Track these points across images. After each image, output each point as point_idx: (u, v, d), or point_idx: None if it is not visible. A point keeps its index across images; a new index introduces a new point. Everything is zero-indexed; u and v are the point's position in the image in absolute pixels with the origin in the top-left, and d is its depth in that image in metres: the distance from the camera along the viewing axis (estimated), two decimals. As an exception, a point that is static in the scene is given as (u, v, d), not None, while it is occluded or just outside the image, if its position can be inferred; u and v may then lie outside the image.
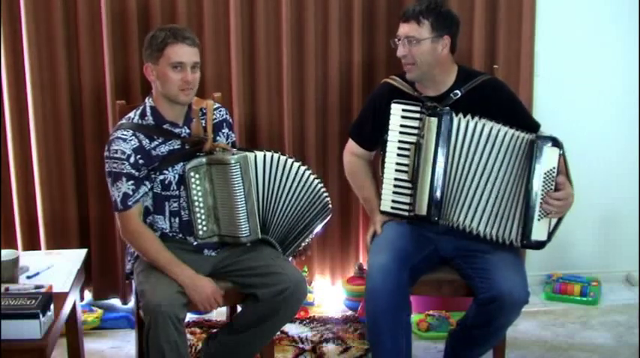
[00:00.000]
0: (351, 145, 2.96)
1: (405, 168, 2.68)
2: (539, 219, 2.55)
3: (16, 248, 3.16)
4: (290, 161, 2.70)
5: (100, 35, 3.09)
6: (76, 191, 3.22)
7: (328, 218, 2.81)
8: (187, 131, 2.63)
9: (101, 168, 3.16)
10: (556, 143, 2.54)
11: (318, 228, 2.80)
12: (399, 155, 2.70)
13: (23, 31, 3.05)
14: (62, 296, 2.39)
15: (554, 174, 2.54)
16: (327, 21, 3.25)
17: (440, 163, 2.59)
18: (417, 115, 2.66)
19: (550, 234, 2.60)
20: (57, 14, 3.07)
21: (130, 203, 2.54)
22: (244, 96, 3.25)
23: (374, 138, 2.87)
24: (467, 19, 3.26)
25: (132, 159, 2.52)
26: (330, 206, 2.80)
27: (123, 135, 2.55)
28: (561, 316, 3.42)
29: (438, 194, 2.60)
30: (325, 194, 2.78)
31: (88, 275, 3.05)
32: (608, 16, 3.49)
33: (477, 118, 2.60)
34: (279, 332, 3.05)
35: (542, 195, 2.54)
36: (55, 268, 2.61)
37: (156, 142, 2.58)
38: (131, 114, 2.63)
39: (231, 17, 3.16)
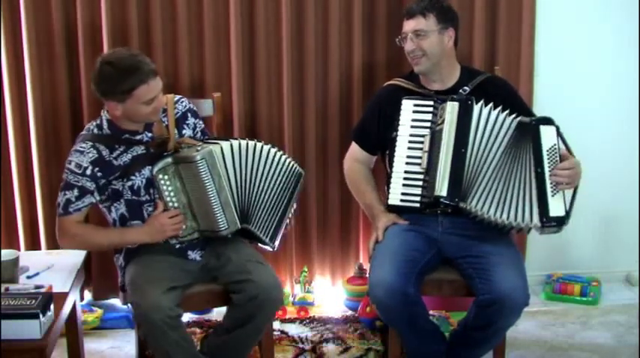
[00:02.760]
0: (353, 151, 2.97)
1: (416, 161, 2.69)
2: (552, 195, 2.57)
3: (18, 248, 3.17)
4: (259, 145, 2.65)
5: (99, 35, 3.09)
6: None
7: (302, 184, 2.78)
8: (149, 135, 2.59)
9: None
10: (550, 121, 2.62)
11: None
12: (409, 148, 2.72)
13: (23, 31, 3.05)
14: (62, 296, 2.39)
15: (557, 149, 2.60)
16: (327, 21, 3.25)
17: (461, 146, 2.60)
18: (430, 109, 2.70)
19: (568, 211, 2.60)
20: (57, 14, 3.07)
21: (70, 209, 2.53)
22: (244, 97, 3.24)
23: (378, 139, 2.89)
24: (467, 19, 3.26)
25: (88, 172, 2.51)
26: (302, 172, 2.77)
27: (81, 147, 2.53)
28: (561, 316, 3.42)
29: (460, 175, 2.59)
30: (296, 166, 2.74)
31: (88, 275, 3.05)
32: (608, 16, 3.49)
33: (498, 108, 2.64)
34: (279, 333, 3.06)
35: (550, 170, 2.58)
36: (55, 268, 2.61)
37: (117, 151, 2.55)
38: (90, 125, 2.60)
39: (231, 17, 3.16)
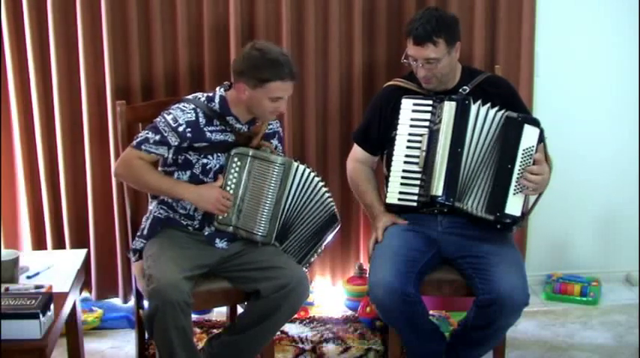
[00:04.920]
0: (355, 152, 2.97)
1: (414, 160, 2.70)
2: (514, 193, 2.59)
3: (21, 248, 3.18)
4: (320, 184, 2.71)
5: (100, 35, 3.09)
6: (75, 191, 3.21)
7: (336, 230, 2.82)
8: (246, 130, 2.67)
9: (101, 168, 3.18)
10: (536, 123, 2.61)
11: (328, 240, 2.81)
12: (408, 147, 2.73)
13: (26, 32, 3.05)
14: (62, 296, 2.39)
15: (532, 152, 2.60)
16: (327, 21, 3.24)
17: (458, 146, 2.61)
18: (429, 108, 2.71)
19: (525, 214, 2.61)
20: (57, 15, 3.06)
21: (142, 147, 2.58)
22: (244, 97, 3.24)
23: (380, 140, 2.88)
24: (467, 19, 3.26)
25: (180, 129, 2.57)
26: (339, 218, 2.79)
27: (184, 106, 2.62)
28: (561, 316, 3.42)
29: (456, 175, 2.61)
30: (334, 209, 2.76)
31: (87, 275, 3.05)
32: (608, 17, 3.49)
33: (496, 108, 2.65)
34: (279, 332, 3.06)
35: (520, 171, 2.58)
36: (55, 268, 2.61)
37: (212, 127, 2.63)
38: (199, 94, 2.68)
39: (231, 17, 3.15)
